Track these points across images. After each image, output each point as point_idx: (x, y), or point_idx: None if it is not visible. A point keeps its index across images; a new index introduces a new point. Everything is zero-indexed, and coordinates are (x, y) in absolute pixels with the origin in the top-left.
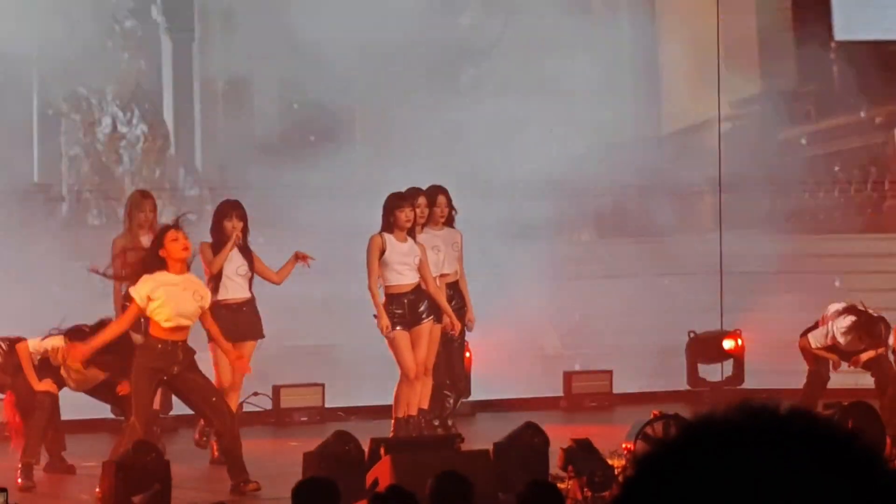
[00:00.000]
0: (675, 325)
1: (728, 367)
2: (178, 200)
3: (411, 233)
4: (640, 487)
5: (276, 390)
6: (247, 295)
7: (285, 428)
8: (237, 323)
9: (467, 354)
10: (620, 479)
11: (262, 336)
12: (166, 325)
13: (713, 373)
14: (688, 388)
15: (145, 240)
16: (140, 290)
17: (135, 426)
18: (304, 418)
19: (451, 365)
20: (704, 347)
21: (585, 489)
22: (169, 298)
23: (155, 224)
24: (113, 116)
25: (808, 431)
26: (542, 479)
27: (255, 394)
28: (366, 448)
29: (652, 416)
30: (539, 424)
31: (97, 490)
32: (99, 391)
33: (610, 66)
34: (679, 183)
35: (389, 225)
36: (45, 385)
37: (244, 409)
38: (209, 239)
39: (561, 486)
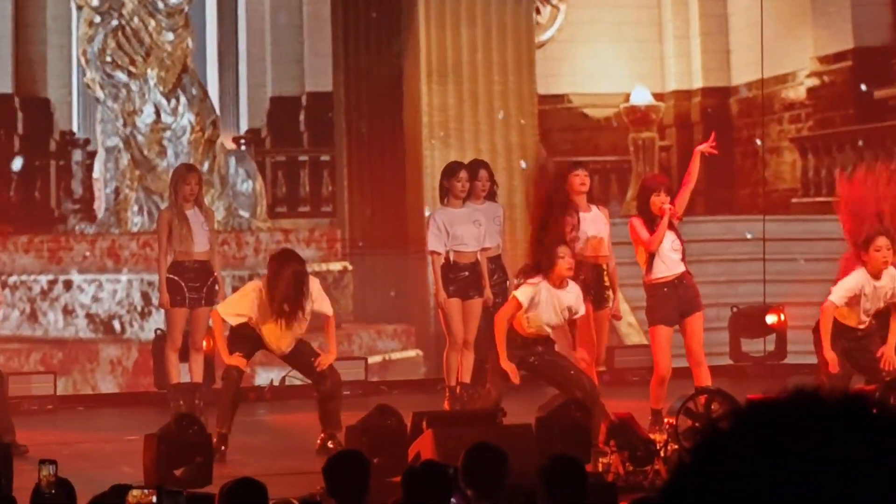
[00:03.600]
0: (719, 299)
1: (771, 341)
2: (230, 196)
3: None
4: (694, 476)
5: None
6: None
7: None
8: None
9: None
10: (661, 453)
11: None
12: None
13: (756, 347)
14: (731, 362)
15: (191, 213)
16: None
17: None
18: (347, 392)
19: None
20: (747, 322)
21: (627, 464)
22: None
23: (200, 197)
24: (156, 104)
25: (860, 417)
26: (564, 454)
27: None
28: (408, 422)
29: (694, 390)
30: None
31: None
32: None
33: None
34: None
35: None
36: (235, 360)
37: (286, 384)
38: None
39: (603, 460)
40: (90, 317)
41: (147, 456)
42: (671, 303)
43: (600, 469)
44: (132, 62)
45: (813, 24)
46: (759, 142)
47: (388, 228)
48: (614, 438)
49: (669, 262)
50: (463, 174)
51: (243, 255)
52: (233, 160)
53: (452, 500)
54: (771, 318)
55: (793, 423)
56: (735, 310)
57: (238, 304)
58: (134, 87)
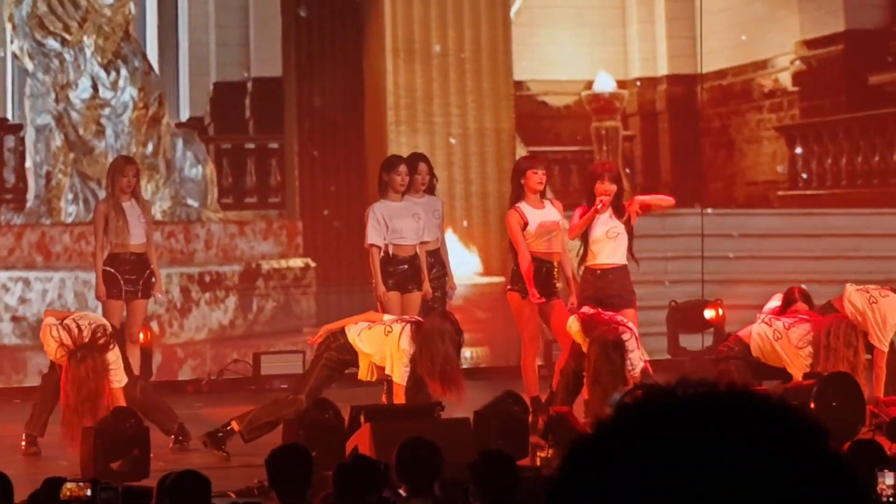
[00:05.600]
0: (658, 294)
1: (709, 336)
2: (177, 182)
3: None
4: (573, 475)
5: (256, 357)
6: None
7: (265, 395)
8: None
9: None
10: None
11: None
12: None
13: (694, 342)
14: (669, 357)
15: (127, 205)
16: None
17: (302, 403)
18: (284, 385)
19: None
20: (685, 317)
21: None
22: None
23: (137, 189)
24: (93, 77)
25: (745, 408)
26: (494, 449)
27: (236, 360)
28: (346, 416)
29: (631, 385)
30: (519, 393)
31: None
32: None
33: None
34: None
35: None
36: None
37: (224, 376)
38: None
39: (541, 454)
40: (16, 320)
41: (84, 448)
42: (590, 292)
43: (538, 463)
44: (66, 28)
45: (798, 6)
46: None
47: (344, 220)
48: (552, 432)
49: (600, 251)
50: (402, 168)
51: (192, 249)
52: (180, 142)
53: (384, 494)
54: (709, 313)
55: (670, 416)
56: (673, 304)
57: None
58: (68, 56)
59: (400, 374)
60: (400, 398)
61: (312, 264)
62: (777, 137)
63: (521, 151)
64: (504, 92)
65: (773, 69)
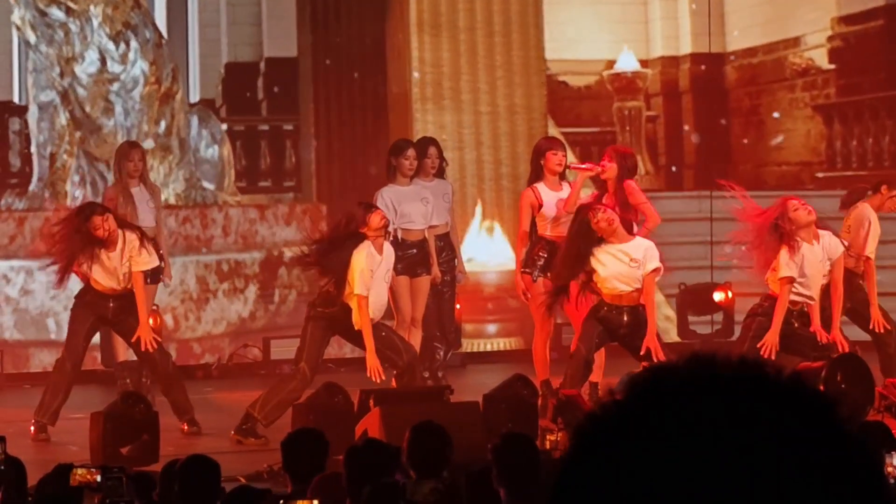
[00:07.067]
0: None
1: (718, 319)
2: (191, 163)
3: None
4: (580, 457)
5: (266, 342)
6: None
7: (275, 379)
8: None
9: (457, 306)
10: None
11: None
12: None
13: (703, 325)
14: (678, 340)
15: (136, 190)
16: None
17: (305, 371)
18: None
19: (441, 316)
20: (694, 299)
21: None
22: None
23: (145, 173)
24: (101, 49)
25: (756, 381)
26: (517, 431)
27: (246, 345)
28: (355, 400)
29: (641, 367)
30: (528, 376)
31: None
32: None
33: None
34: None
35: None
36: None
37: (234, 361)
38: None
39: (550, 437)
40: (18, 313)
41: (93, 434)
42: None
43: (548, 446)
44: None
45: None
46: (776, 115)
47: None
48: (561, 416)
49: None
50: (410, 152)
51: (209, 235)
52: (195, 120)
53: (396, 477)
54: (718, 296)
55: (685, 392)
56: (682, 287)
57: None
58: (73, 27)
59: (359, 286)
60: (362, 313)
61: None
62: (812, 116)
63: (553, 131)
64: (535, 67)
65: (805, 46)
